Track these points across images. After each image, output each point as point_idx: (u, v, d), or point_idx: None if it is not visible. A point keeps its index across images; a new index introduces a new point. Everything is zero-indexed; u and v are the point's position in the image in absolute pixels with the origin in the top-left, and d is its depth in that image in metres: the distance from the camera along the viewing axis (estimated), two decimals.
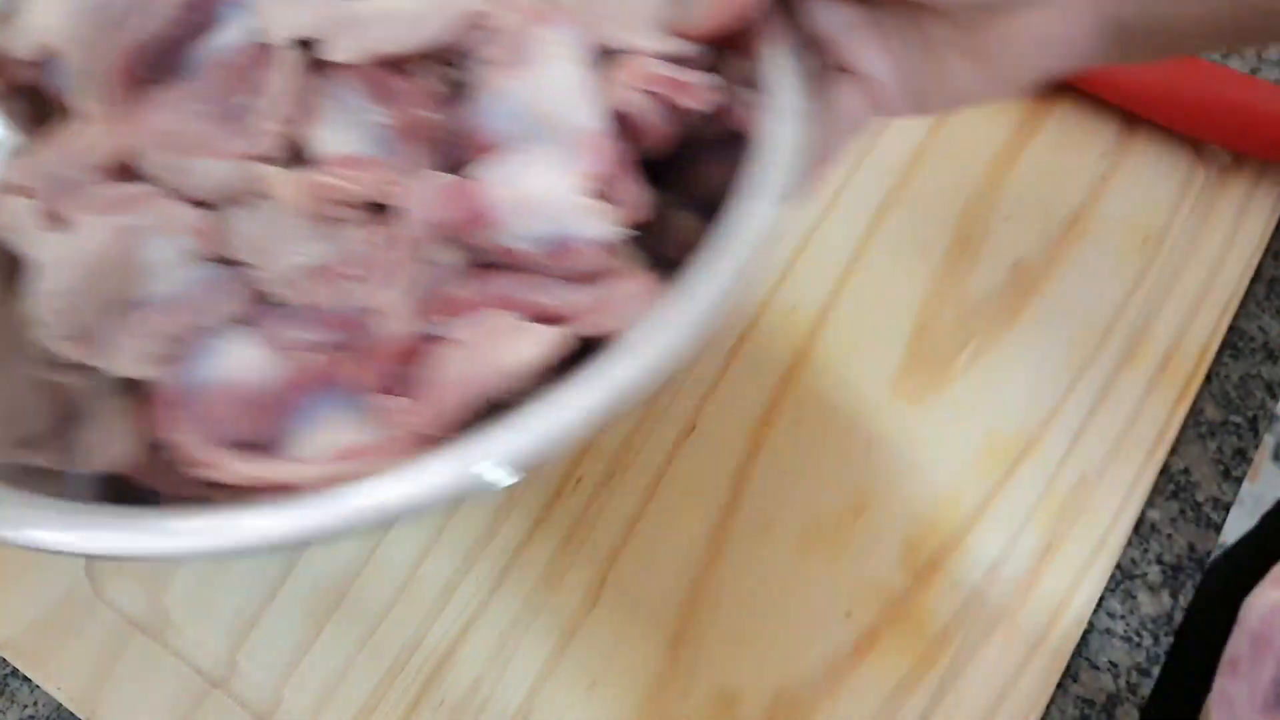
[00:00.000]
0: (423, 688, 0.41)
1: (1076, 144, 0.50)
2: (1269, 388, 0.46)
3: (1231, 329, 0.47)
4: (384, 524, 0.27)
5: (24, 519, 0.26)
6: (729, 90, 0.34)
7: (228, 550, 0.26)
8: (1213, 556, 0.44)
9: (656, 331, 0.29)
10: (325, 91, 0.33)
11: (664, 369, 0.28)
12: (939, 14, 0.33)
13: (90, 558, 0.41)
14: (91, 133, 0.32)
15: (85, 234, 0.31)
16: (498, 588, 0.42)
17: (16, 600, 0.41)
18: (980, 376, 0.46)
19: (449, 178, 0.32)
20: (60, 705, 0.40)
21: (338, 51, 0.32)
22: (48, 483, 0.29)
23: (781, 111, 0.33)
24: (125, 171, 0.32)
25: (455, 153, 0.33)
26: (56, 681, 0.40)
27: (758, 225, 0.31)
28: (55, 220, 0.31)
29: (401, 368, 0.31)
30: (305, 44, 0.32)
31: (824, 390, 0.46)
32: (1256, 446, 0.45)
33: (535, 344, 0.30)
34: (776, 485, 0.44)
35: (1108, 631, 0.43)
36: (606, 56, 0.33)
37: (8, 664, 0.41)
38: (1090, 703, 0.42)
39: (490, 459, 0.27)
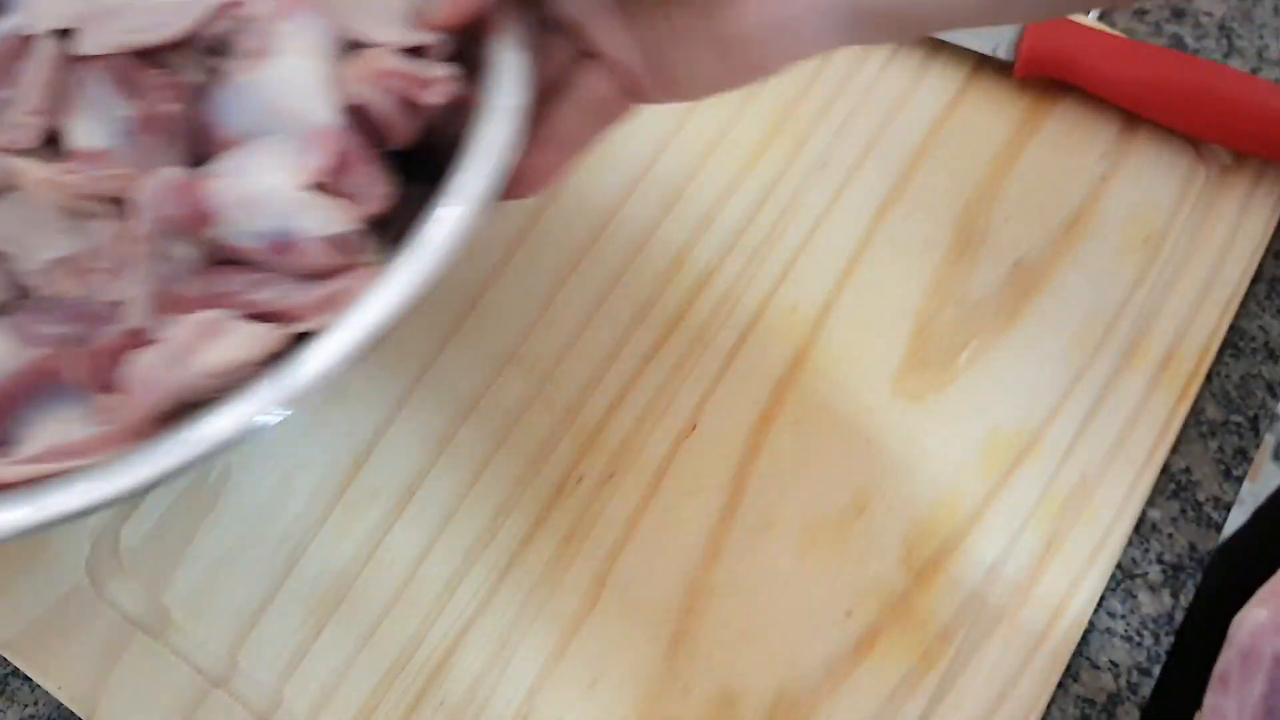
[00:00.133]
0: (423, 687, 0.41)
1: (1077, 143, 0.50)
2: (1270, 387, 0.46)
3: (1232, 328, 0.47)
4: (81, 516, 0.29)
5: None
6: (471, 82, 0.34)
7: None
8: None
9: (325, 340, 0.30)
10: (80, 83, 0.33)
11: (328, 378, 0.29)
12: (683, 0, 0.33)
13: None
14: None
15: None
16: (498, 588, 0.42)
17: (17, 599, 0.41)
18: (981, 376, 0.46)
19: (177, 173, 0.32)
20: (61, 705, 0.40)
21: (86, 44, 0.32)
22: None
23: (497, 108, 0.33)
24: None
25: (202, 148, 0.33)
26: (57, 681, 0.40)
27: (449, 228, 0.31)
28: None
29: (114, 364, 0.31)
30: (66, 35, 0.32)
31: (824, 390, 0.46)
32: (1257, 446, 0.45)
33: (239, 344, 0.30)
34: (776, 485, 0.44)
35: (1108, 631, 0.43)
36: (350, 50, 0.34)
37: (8, 663, 0.41)
38: (1091, 702, 0.42)
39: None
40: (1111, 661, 0.42)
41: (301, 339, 0.31)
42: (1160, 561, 0.44)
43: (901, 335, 0.46)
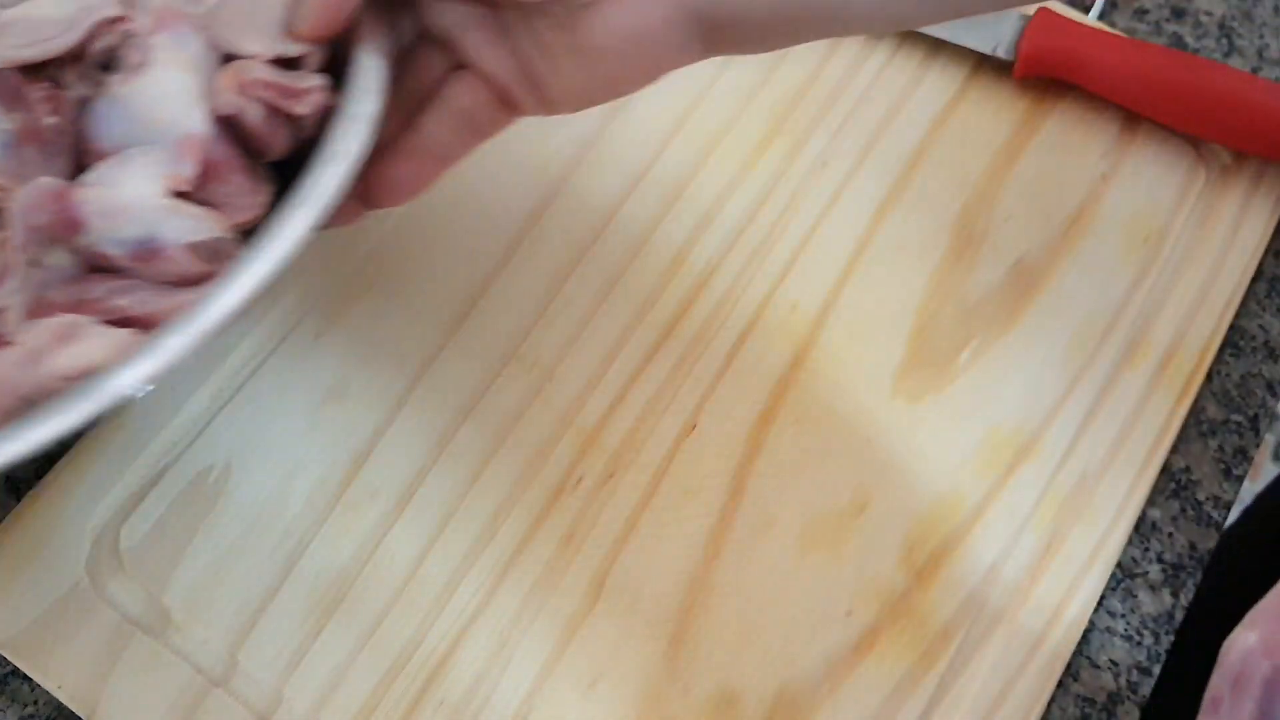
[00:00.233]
0: (423, 687, 0.41)
1: (1077, 143, 0.50)
2: (1270, 386, 0.46)
3: (1232, 328, 0.47)
4: None
5: None
6: (340, 92, 0.35)
7: None
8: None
9: (150, 347, 0.31)
10: None
11: (153, 382, 0.30)
12: (542, 11, 0.34)
13: None
14: None
15: None
16: (497, 588, 0.42)
17: (17, 599, 0.41)
18: (981, 375, 0.46)
19: (49, 183, 0.33)
20: (61, 704, 0.40)
21: None
22: None
23: (350, 115, 0.34)
24: None
25: (84, 159, 0.34)
26: (57, 680, 0.40)
27: (286, 239, 0.32)
28: None
29: None
30: None
31: (824, 389, 0.46)
32: (1257, 445, 0.45)
33: (93, 348, 0.31)
34: (776, 484, 0.44)
35: (1108, 630, 0.43)
36: (225, 61, 0.35)
37: (8, 662, 0.41)
38: (1091, 701, 0.42)
39: None
40: (1111, 661, 0.42)
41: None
42: (1160, 561, 0.44)
43: (901, 335, 0.46)
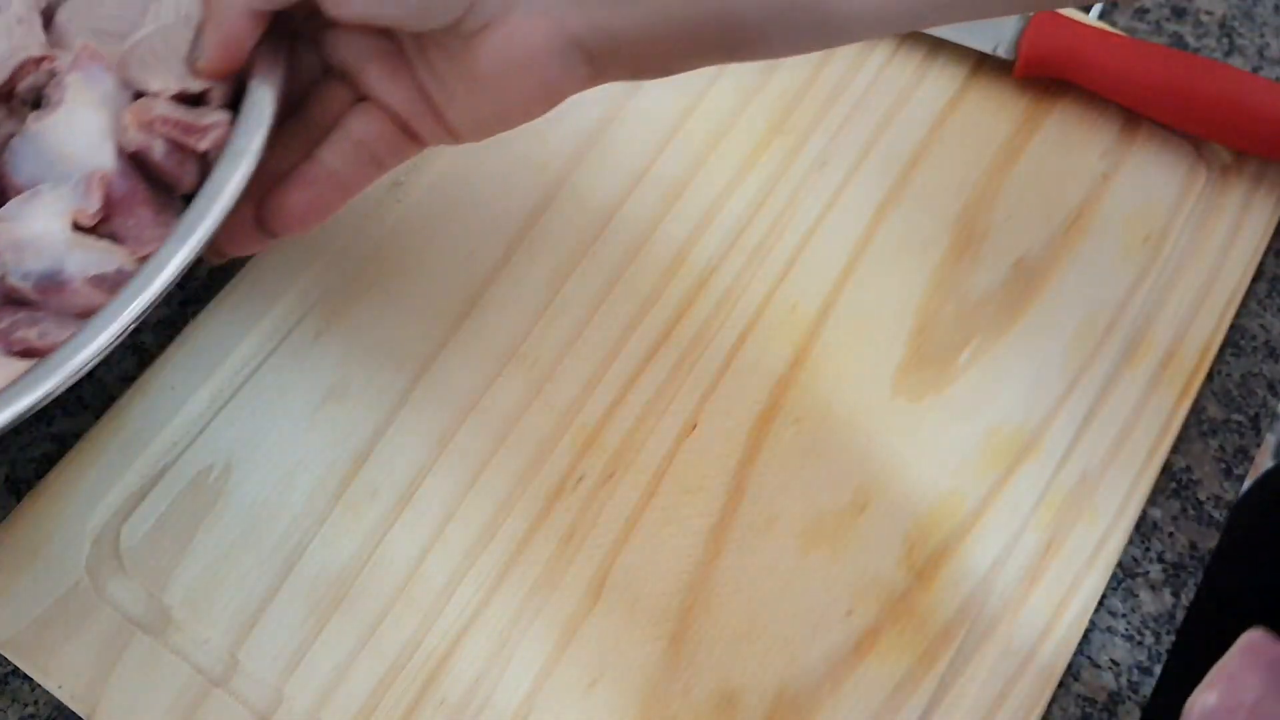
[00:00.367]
0: (423, 686, 0.41)
1: (1077, 142, 0.50)
2: (1271, 386, 0.46)
3: (1233, 327, 0.47)
4: None
5: None
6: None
7: None
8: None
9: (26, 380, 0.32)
10: None
11: (26, 410, 0.32)
12: (435, 43, 0.35)
13: None
14: None
15: None
16: (498, 587, 0.42)
17: (17, 599, 0.41)
18: (981, 375, 0.46)
19: None
20: (61, 704, 0.40)
21: None
22: None
23: (231, 154, 0.35)
24: None
25: (4, 194, 0.36)
26: (57, 680, 0.40)
27: (167, 270, 0.33)
28: None
29: None
30: None
31: (824, 388, 0.46)
32: (1258, 445, 0.45)
33: None
34: (777, 483, 0.44)
35: (1109, 630, 0.43)
36: (136, 98, 0.36)
37: (8, 662, 0.41)
38: (1091, 701, 0.42)
39: None
40: (1112, 660, 0.42)
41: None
42: (1161, 560, 0.44)
43: (901, 334, 0.46)
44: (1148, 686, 0.42)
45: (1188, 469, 0.45)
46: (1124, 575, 0.43)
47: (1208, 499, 0.45)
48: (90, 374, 0.33)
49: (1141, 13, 0.53)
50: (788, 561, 0.43)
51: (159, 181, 0.37)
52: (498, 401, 0.45)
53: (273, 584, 0.42)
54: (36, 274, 0.34)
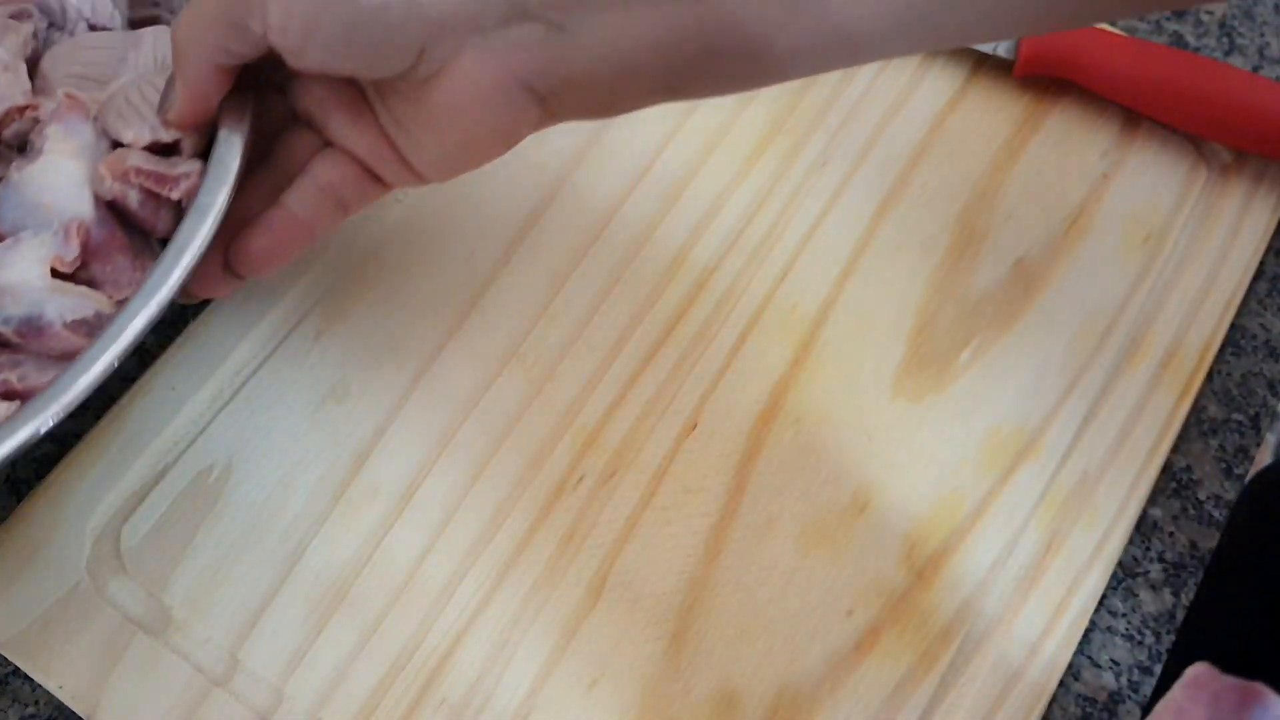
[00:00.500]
0: (424, 686, 0.41)
1: (1078, 142, 0.50)
2: (1271, 385, 0.46)
3: (1233, 327, 0.47)
4: None
5: None
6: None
7: None
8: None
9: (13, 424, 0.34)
10: None
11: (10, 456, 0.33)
12: (393, 89, 0.36)
13: None
14: None
15: None
16: (498, 587, 0.42)
17: (17, 599, 0.41)
18: (981, 375, 0.46)
19: None
20: (61, 704, 0.40)
21: None
22: None
23: (196, 209, 0.36)
24: None
25: None
26: (58, 680, 0.40)
27: (136, 322, 0.35)
28: None
29: None
30: None
31: (824, 388, 0.46)
32: (1258, 444, 0.45)
33: None
34: (777, 483, 0.44)
35: (1109, 630, 0.43)
36: (114, 147, 0.38)
37: (8, 663, 0.41)
38: (1092, 701, 0.42)
39: None
40: (1113, 660, 0.42)
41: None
42: (1161, 560, 0.44)
43: (901, 334, 0.46)
44: (1148, 686, 0.42)
45: (1188, 469, 0.45)
46: (1124, 575, 0.43)
47: (1208, 499, 0.45)
48: None
49: None
50: (788, 561, 0.43)
51: (135, 228, 0.39)
52: (498, 401, 0.45)
53: (273, 584, 0.42)
54: (17, 319, 0.36)
